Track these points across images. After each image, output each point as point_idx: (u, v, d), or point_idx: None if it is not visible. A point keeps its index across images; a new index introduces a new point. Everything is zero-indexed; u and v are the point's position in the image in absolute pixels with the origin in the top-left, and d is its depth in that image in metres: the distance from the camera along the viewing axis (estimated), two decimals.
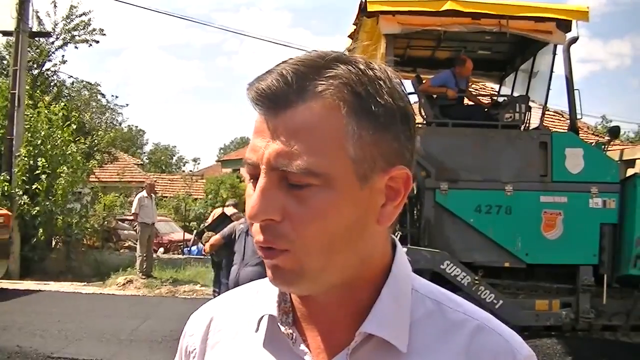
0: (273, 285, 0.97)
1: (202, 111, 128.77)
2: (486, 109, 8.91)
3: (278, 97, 0.87)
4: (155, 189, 16.62)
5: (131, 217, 20.52)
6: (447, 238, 7.73)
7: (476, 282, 7.52)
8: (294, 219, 0.88)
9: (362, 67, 0.90)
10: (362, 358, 0.94)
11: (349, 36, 8.75)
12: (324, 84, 0.87)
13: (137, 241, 18.55)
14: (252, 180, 0.92)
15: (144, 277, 14.33)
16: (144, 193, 15.06)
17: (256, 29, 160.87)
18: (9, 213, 13.29)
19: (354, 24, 8.28)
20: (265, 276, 0.97)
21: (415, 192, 7.82)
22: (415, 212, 8.07)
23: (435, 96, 8.37)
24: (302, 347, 0.98)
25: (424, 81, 8.59)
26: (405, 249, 5.11)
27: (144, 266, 14.60)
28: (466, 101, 9.11)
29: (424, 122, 8.22)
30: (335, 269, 0.91)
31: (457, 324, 0.97)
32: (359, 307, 0.96)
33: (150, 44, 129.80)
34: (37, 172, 15.72)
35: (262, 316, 1.01)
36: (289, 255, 0.89)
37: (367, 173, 0.89)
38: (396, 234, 7.88)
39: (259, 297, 1.05)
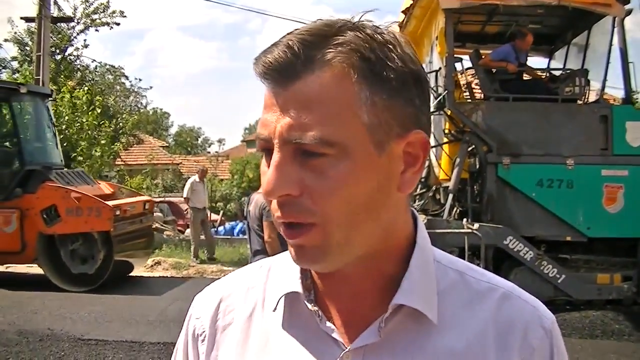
0: (295, 264, 0.93)
1: (227, 92, 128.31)
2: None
3: (286, 69, 0.84)
4: (207, 173, 16.52)
5: (158, 199, 20.59)
6: (509, 212, 7.72)
7: (539, 256, 7.52)
8: (313, 192, 0.85)
9: (369, 32, 0.87)
10: (393, 330, 0.92)
11: (402, 11, 8.73)
12: (332, 52, 0.85)
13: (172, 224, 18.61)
14: (265, 156, 0.89)
15: (197, 261, 14.26)
16: (195, 178, 14.89)
17: (279, 7, 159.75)
18: (153, 200, 13.23)
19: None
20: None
21: (477, 167, 7.81)
22: (475, 187, 8.05)
23: (494, 70, 8.33)
24: (329, 324, 0.94)
25: (482, 56, 8.54)
26: (476, 225, 5.09)
27: (197, 251, 14.54)
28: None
29: (483, 96, 8.20)
30: (360, 241, 0.89)
31: (482, 293, 0.96)
32: (385, 279, 0.93)
33: (172, 25, 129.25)
34: (70, 156, 15.76)
35: (284, 294, 0.98)
36: (315, 230, 0.86)
37: (383, 139, 0.86)
38: (456, 209, 7.88)
39: (274, 274, 1.02)
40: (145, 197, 12.99)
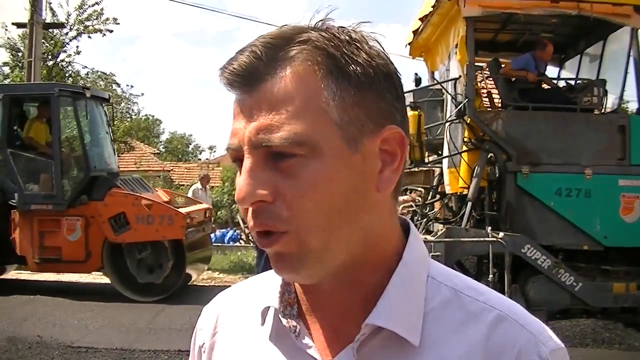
0: (278, 276, 0.91)
1: (218, 99, 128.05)
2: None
3: (250, 73, 0.83)
4: (210, 179, 16.33)
5: None
6: (527, 221, 7.70)
7: (556, 265, 7.51)
8: (286, 197, 0.82)
9: (334, 31, 0.86)
10: (370, 352, 0.87)
11: (420, 19, 8.71)
12: (294, 50, 0.83)
13: None
14: (238, 166, 0.87)
15: None
16: (198, 185, 14.81)
17: (271, 14, 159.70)
18: (212, 207, 12.88)
19: (432, 7, 8.21)
20: None
21: (496, 175, 7.80)
22: (493, 195, 8.03)
23: (513, 79, 8.34)
24: (306, 340, 0.91)
25: (502, 65, 8.56)
26: (501, 234, 5.04)
27: None
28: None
29: (502, 105, 8.21)
30: (339, 246, 0.85)
31: (474, 314, 0.88)
32: (367, 295, 0.89)
33: (164, 31, 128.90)
34: None
35: (265, 309, 0.96)
36: (289, 236, 0.83)
37: (355, 136, 0.84)
38: (469, 221, 7.83)
39: (264, 288, 0.99)
40: (205, 205, 12.63)
